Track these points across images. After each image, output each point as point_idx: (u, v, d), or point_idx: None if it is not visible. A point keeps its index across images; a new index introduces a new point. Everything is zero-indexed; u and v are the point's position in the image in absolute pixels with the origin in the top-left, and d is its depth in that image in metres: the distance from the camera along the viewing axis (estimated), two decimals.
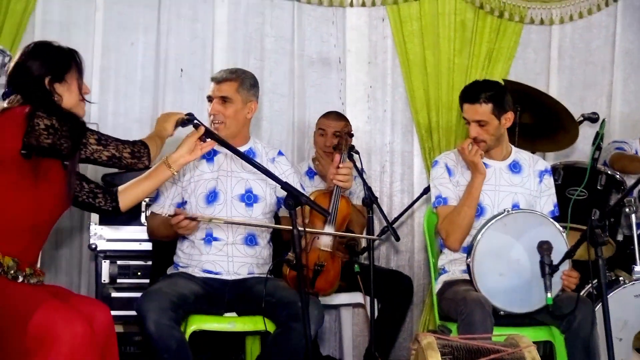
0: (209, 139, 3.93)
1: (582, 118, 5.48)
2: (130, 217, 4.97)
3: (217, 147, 4.45)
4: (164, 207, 4.42)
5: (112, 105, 5.87)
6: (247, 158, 4.05)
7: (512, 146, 4.75)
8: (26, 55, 3.54)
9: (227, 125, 4.33)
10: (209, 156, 4.47)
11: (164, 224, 4.33)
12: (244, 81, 4.44)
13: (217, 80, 4.43)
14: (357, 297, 5.30)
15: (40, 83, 3.49)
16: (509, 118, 4.56)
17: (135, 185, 3.90)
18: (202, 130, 3.89)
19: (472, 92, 4.56)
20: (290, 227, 3.76)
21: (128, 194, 3.85)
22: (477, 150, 4.45)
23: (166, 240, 4.49)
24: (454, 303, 4.27)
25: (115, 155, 3.57)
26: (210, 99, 4.44)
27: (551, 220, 4.32)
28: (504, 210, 4.28)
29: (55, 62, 3.55)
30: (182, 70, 6.01)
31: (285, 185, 3.88)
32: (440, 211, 4.66)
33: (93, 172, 5.55)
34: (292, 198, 3.80)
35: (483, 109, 4.49)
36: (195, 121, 3.97)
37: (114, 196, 3.83)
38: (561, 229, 4.28)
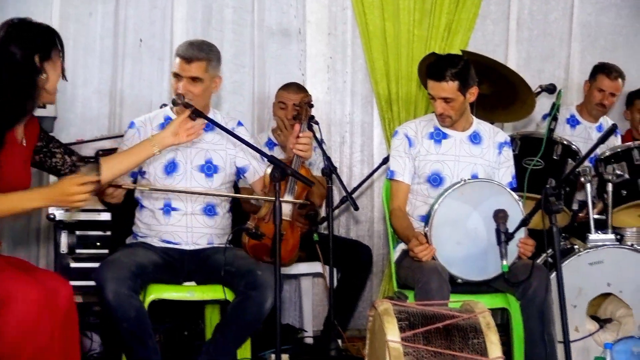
0: (198, 119, 4.00)
1: (539, 89, 5.52)
2: None
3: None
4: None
5: (70, 76, 5.68)
6: (233, 134, 4.14)
7: (474, 117, 4.78)
8: (7, 34, 3.44)
9: (195, 102, 4.30)
10: None
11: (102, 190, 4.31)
12: (212, 59, 4.41)
13: (186, 60, 4.35)
14: (316, 266, 5.33)
15: (32, 60, 3.43)
16: (473, 92, 4.59)
17: (117, 160, 3.90)
18: (187, 111, 3.96)
19: (438, 69, 4.54)
20: (273, 198, 3.83)
21: (110, 167, 3.80)
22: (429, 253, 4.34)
23: (111, 206, 4.45)
24: (411, 271, 4.31)
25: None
26: (177, 76, 4.38)
27: (507, 189, 4.37)
28: (461, 180, 4.32)
29: (41, 38, 3.49)
30: (141, 40, 5.98)
31: (271, 159, 3.97)
32: (391, 184, 4.73)
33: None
34: (278, 170, 3.85)
35: (450, 87, 4.50)
36: (186, 100, 4.12)
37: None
38: (517, 198, 4.32)
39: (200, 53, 4.38)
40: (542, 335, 4.18)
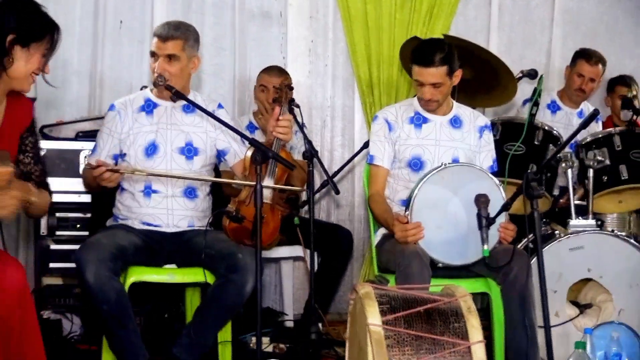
0: None
1: (521, 74, 5.53)
2: (69, 168, 4.92)
3: (158, 100, 4.45)
4: (100, 158, 4.38)
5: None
6: (214, 116, 4.17)
7: (454, 101, 4.78)
8: (5, 4, 3.33)
9: (173, 82, 4.29)
10: (149, 109, 4.45)
11: (88, 173, 4.30)
12: (188, 38, 4.40)
13: (162, 38, 4.36)
14: (297, 250, 5.33)
15: (2, 38, 3.29)
16: (457, 75, 4.58)
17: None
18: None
19: (426, 55, 4.50)
20: (254, 183, 3.81)
21: None
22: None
23: (96, 190, 4.43)
24: (392, 255, 4.31)
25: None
26: (153, 54, 4.39)
27: (488, 174, 4.37)
28: (441, 164, 4.32)
29: (30, 25, 3.33)
30: (121, 22, 5.94)
31: (252, 141, 3.96)
32: (370, 169, 4.73)
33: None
34: (259, 153, 3.84)
35: (439, 72, 4.48)
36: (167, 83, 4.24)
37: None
38: (498, 182, 4.33)
39: (176, 32, 4.38)
40: (522, 320, 4.18)
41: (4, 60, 3.30)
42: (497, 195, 4.25)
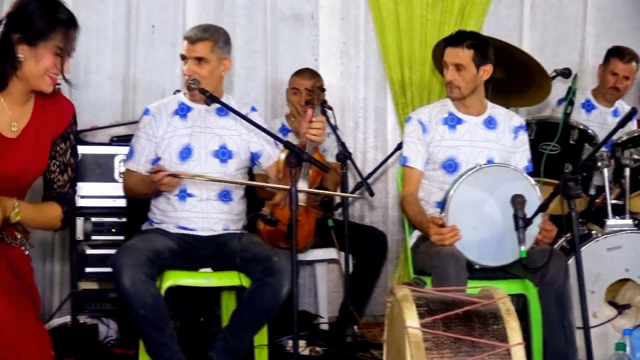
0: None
1: (555, 73, 5.49)
2: (104, 173, 4.95)
3: (191, 103, 4.46)
4: (139, 163, 4.40)
5: (83, 63, 5.81)
6: (248, 119, 4.18)
7: (488, 102, 4.75)
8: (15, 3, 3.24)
9: (203, 84, 4.29)
10: (183, 112, 4.46)
11: (143, 181, 4.32)
12: (218, 40, 4.41)
13: (191, 40, 4.38)
14: (331, 252, 5.33)
15: (8, 37, 3.21)
16: (487, 70, 4.57)
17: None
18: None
19: (457, 37, 4.62)
20: (289, 187, 3.83)
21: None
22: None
23: (143, 197, 4.48)
24: (427, 257, 4.29)
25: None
26: (183, 57, 4.40)
27: (524, 174, 4.34)
28: (476, 165, 4.30)
29: (35, 23, 3.21)
30: (153, 26, 5.97)
31: (286, 144, 3.99)
32: (403, 171, 4.71)
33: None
34: (294, 156, 3.85)
35: (464, 53, 4.51)
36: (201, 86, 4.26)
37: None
38: (534, 183, 4.29)
39: (205, 34, 4.40)
40: (560, 321, 4.16)
41: (13, 60, 3.21)
42: (533, 195, 4.21)
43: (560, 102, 5.90)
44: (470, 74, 4.53)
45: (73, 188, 3.48)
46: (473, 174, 4.26)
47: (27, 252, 3.40)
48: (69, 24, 3.29)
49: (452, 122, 4.65)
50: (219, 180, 4.32)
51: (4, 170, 3.21)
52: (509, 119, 4.71)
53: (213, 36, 4.40)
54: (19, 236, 3.37)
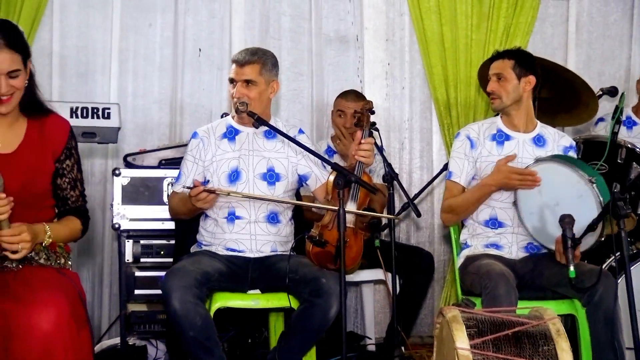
0: None
1: (601, 92, 5.46)
2: (153, 196, 5.00)
3: (239, 126, 4.49)
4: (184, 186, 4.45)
5: (131, 87, 5.91)
6: (296, 142, 4.21)
7: (538, 121, 4.75)
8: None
9: (252, 107, 4.33)
10: (231, 135, 4.49)
11: (182, 200, 4.36)
12: (265, 62, 4.45)
13: (240, 63, 4.42)
14: (378, 273, 5.32)
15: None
16: (529, 82, 4.59)
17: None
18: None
19: (501, 51, 4.73)
20: (337, 207, 3.90)
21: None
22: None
23: (185, 217, 4.51)
24: (477, 277, 4.28)
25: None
26: (232, 81, 4.44)
27: (594, 191, 4.23)
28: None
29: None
30: (200, 50, 6.05)
31: (334, 166, 4.03)
32: (446, 184, 4.73)
33: (114, 151, 5.61)
34: (342, 178, 3.88)
35: (504, 63, 4.60)
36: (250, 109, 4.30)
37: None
38: (601, 200, 4.19)
39: (253, 57, 4.43)
40: (610, 342, 4.12)
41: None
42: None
43: (599, 121, 5.88)
44: (512, 85, 4.56)
45: (84, 200, 3.73)
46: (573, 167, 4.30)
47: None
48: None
49: (500, 138, 4.65)
50: (257, 198, 4.36)
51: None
52: (559, 138, 4.70)
53: (261, 59, 4.44)
54: (59, 251, 3.55)
